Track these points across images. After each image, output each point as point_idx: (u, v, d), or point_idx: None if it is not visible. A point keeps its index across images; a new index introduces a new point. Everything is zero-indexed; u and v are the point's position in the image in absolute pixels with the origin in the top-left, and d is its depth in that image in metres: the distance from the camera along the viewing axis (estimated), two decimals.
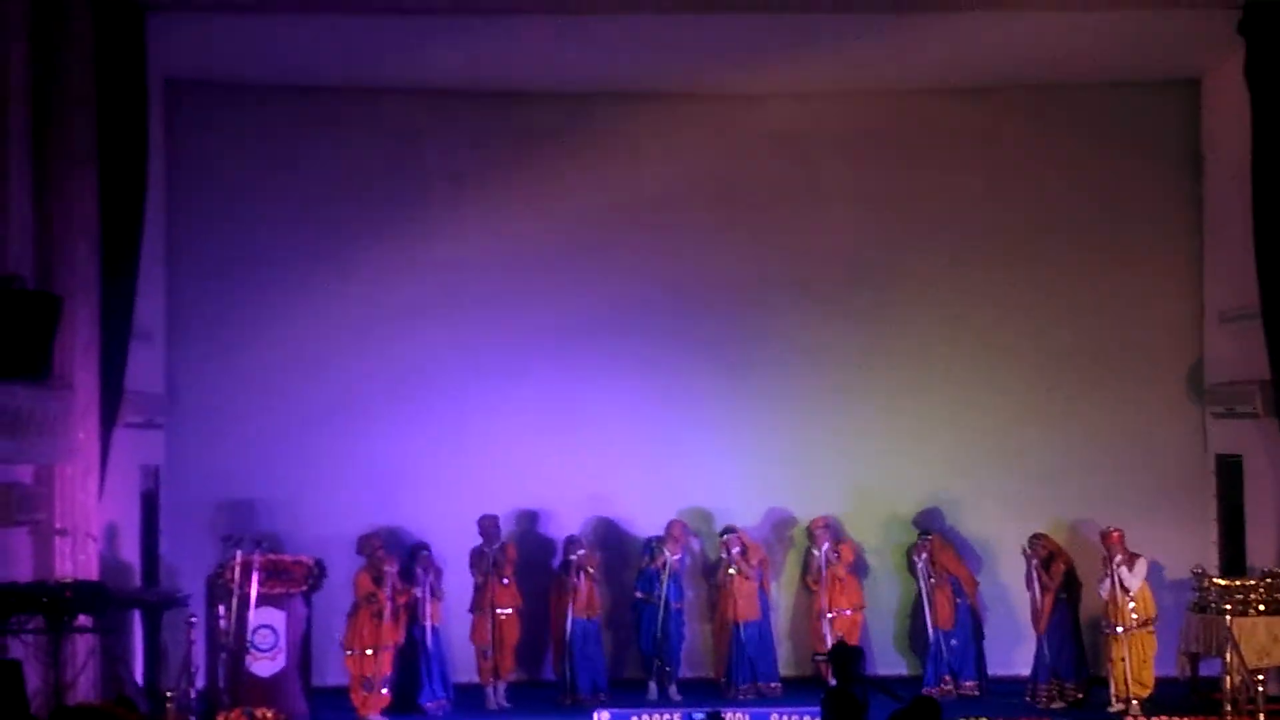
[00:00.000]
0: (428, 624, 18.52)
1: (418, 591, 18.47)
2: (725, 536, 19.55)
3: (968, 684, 19.28)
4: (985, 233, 20.83)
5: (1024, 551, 18.98)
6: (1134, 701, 18.19)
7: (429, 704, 18.48)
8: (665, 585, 19.14)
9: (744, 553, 19.35)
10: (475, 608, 18.96)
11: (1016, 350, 20.79)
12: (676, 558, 19.30)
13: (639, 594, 19.37)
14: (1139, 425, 20.64)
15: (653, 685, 19.14)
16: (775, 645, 19.68)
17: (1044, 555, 18.91)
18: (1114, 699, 18.34)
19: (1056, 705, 18.56)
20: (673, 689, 19.10)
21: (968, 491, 20.60)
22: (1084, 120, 20.76)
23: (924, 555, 19.44)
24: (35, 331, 15.93)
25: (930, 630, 19.37)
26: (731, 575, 19.26)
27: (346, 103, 20.59)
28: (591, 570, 19.09)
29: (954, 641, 19.31)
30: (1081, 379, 20.73)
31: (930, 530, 19.88)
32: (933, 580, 19.39)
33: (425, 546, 18.96)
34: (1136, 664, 18.32)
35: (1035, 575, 18.86)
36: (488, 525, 19.17)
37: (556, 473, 20.36)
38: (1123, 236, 20.79)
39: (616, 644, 19.87)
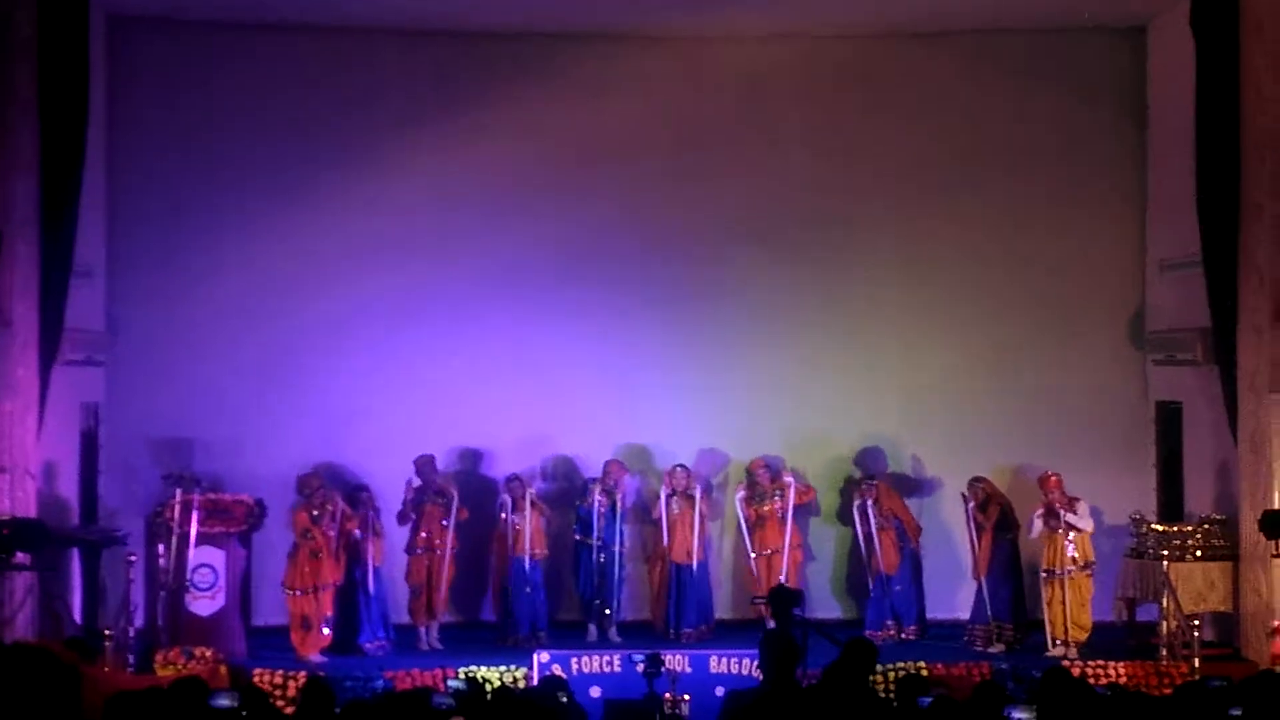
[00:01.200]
0: (369, 564, 18.49)
1: (356, 531, 18.41)
2: (673, 471, 19.49)
3: (910, 628, 19.36)
4: (933, 178, 20.83)
5: (963, 495, 19.10)
6: (1071, 644, 18.31)
7: (368, 644, 18.45)
8: (602, 526, 19.15)
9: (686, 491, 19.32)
10: (410, 548, 18.95)
11: (962, 296, 20.81)
12: (619, 497, 19.30)
13: (577, 535, 19.37)
14: (1081, 372, 20.73)
15: (592, 628, 19.12)
16: (713, 587, 19.71)
17: (981, 498, 18.99)
18: (1051, 641, 18.45)
19: (995, 648, 18.63)
20: (612, 631, 19.12)
21: (909, 435, 20.68)
22: (1032, 67, 20.80)
23: (869, 498, 19.47)
24: None
25: (872, 574, 19.43)
26: (675, 514, 19.22)
27: (297, 40, 20.45)
28: (539, 505, 19.06)
29: (897, 586, 19.38)
30: (1025, 325, 20.79)
31: (874, 474, 19.93)
32: (877, 524, 19.42)
33: (364, 487, 18.90)
34: (1074, 607, 18.43)
35: (973, 518, 18.96)
36: (423, 464, 19.13)
37: (500, 414, 20.32)
38: (1068, 183, 20.85)
39: (557, 585, 19.82)
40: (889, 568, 19.35)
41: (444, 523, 18.89)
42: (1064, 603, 18.41)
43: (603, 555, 19.13)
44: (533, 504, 18.99)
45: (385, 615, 18.67)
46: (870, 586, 19.47)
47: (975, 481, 19.09)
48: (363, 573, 18.46)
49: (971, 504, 18.97)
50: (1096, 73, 20.86)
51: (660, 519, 19.35)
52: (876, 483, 19.64)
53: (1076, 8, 19.89)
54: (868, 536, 19.43)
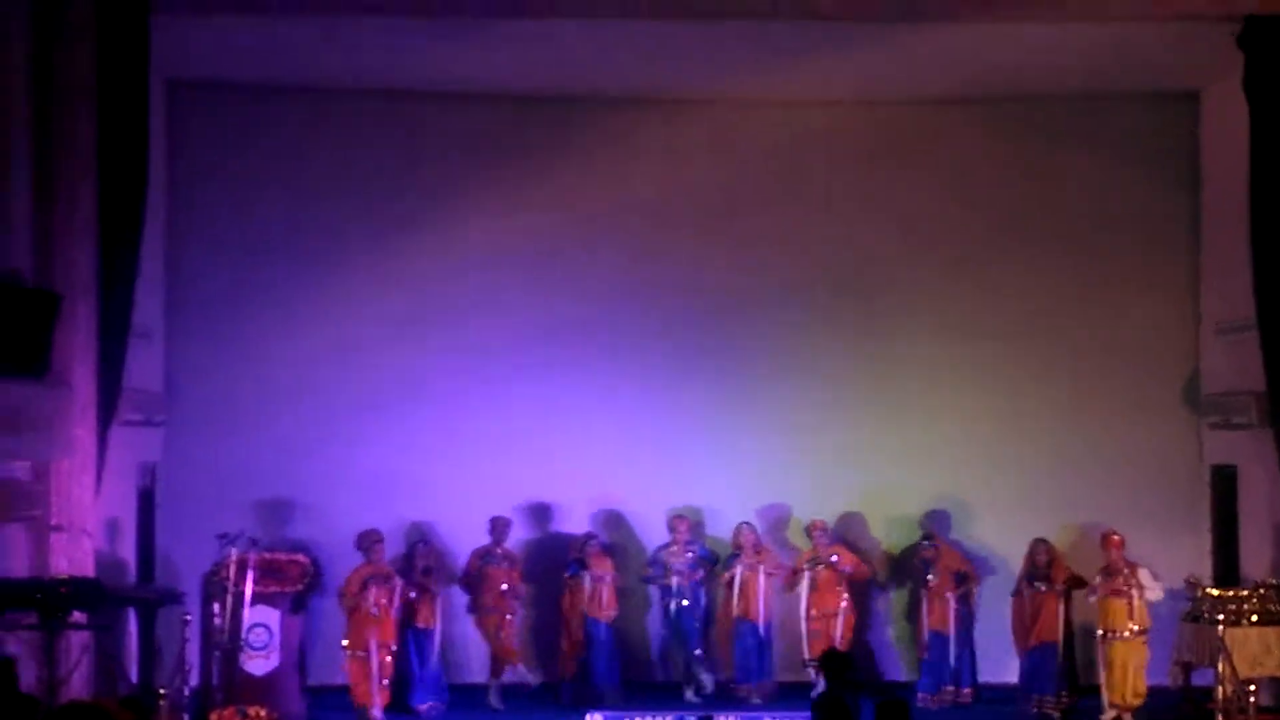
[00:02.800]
0: (421, 624, 18.53)
1: (411, 592, 18.49)
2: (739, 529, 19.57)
3: (965, 690, 19.29)
4: (980, 244, 20.86)
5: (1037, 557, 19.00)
6: (1126, 711, 18.23)
7: (420, 706, 18.50)
8: (685, 583, 19.30)
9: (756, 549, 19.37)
10: (476, 608, 19.05)
11: (1013, 361, 20.80)
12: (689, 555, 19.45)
13: (663, 597, 19.59)
14: (1135, 435, 20.68)
15: (690, 690, 19.33)
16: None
17: (1045, 560, 18.89)
18: (1108, 706, 18.36)
19: (1049, 711, 18.53)
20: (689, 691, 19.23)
21: (963, 502, 20.63)
22: (1082, 132, 20.81)
23: (929, 558, 19.41)
24: (33, 328, 15.99)
25: (928, 635, 19.36)
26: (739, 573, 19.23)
27: (347, 104, 20.65)
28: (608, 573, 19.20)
29: (954, 648, 19.31)
30: (1078, 389, 20.76)
31: (932, 534, 19.85)
32: (933, 583, 19.37)
33: (424, 540, 19.02)
34: (1132, 672, 18.36)
35: (1041, 578, 18.83)
36: (499, 525, 19.33)
37: (553, 475, 20.45)
38: (1121, 248, 20.83)
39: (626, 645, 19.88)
40: (945, 627, 19.26)
41: (503, 586, 18.97)
42: (1123, 666, 18.35)
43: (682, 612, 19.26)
44: (601, 567, 19.09)
45: (437, 676, 18.68)
46: (928, 648, 19.40)
47: (1040, 543, 18.99)
48: (415, 633, 18.50)
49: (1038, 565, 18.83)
50: (1150, 138, 20.85)
51: (733, 577, 19.28)
52: (937, 544, 19.57)
53: (1127, 75, 19.91)
54: (925, 598, 19.38)
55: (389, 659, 18.30)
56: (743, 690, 19.10)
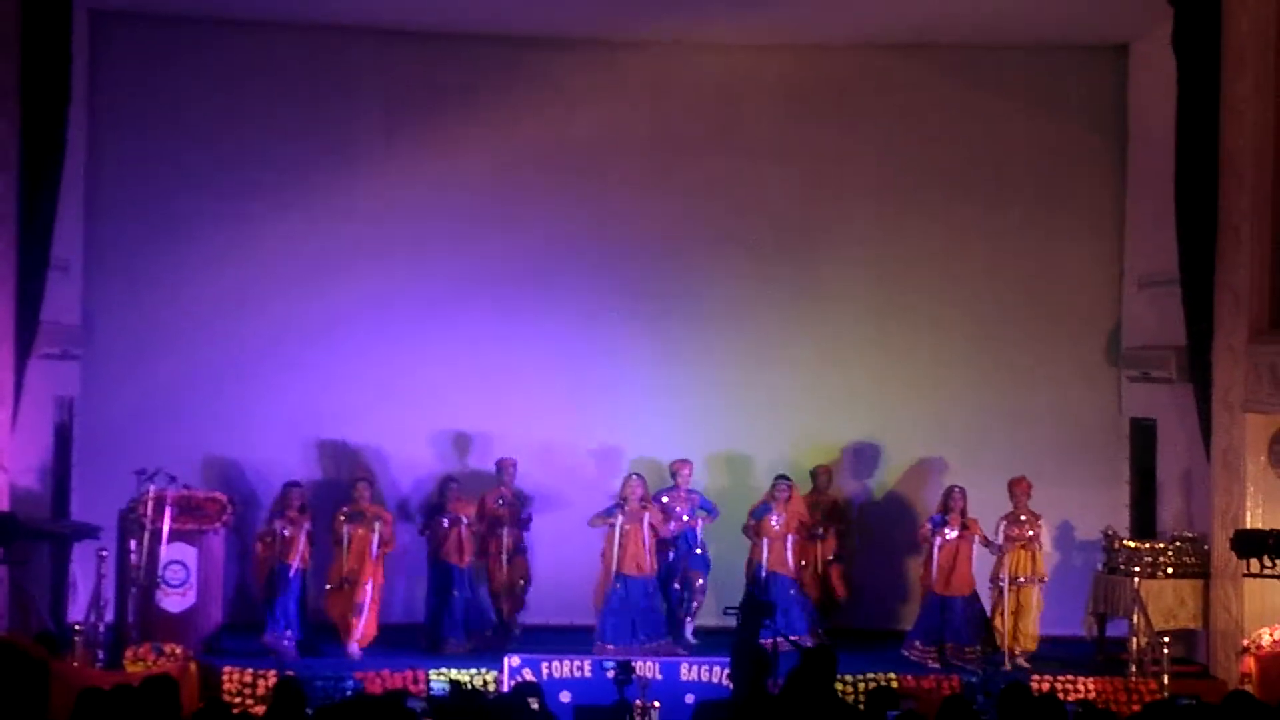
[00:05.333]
0: (292, 563, 18.40)
1: (285, 530, 18.37)
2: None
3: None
4: (911, 190, 20.88)
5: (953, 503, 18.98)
6: (1021, 655, 18.36)
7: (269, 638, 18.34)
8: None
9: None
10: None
11: (937, 308, 20.87)
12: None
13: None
14: (1055, 387, 20.80)
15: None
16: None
17: (960, 508, 18.80)
18: (1009, 654, 18.42)
19: (968, 661, 18.53)
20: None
21: (881, 447, 20.73)
22: (1012, 82, 20.89)
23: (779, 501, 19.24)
24: None
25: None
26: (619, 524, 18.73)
27: (277, 39, 20.45)
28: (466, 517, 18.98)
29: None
30: (1000, 338, 20.87)
31: (787, 477, 19.46)
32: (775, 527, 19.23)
33: (296, 484, 18.84)
34: (1034, 619, 18.55)
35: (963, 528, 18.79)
36: (504, 467, 19.34)
37: (483, 413, 20.34)
38: (1047, 199, 20.91)
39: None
40: (782, 569, 19.10)
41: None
42: (1015, 614, 18.46)
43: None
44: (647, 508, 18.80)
45: (291, 612, 18.46)
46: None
47: (954, 489, 18.93)
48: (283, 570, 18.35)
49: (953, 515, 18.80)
50: (1077, 91, 20.92)
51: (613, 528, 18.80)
52: (790, 489, 19.28)
53: (1059, 26, 19.95)
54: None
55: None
56: (607, 649, 18.20)
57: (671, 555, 19.23)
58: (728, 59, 20.83)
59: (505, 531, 19.19)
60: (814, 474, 19.95)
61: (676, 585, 19.21)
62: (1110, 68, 20.82)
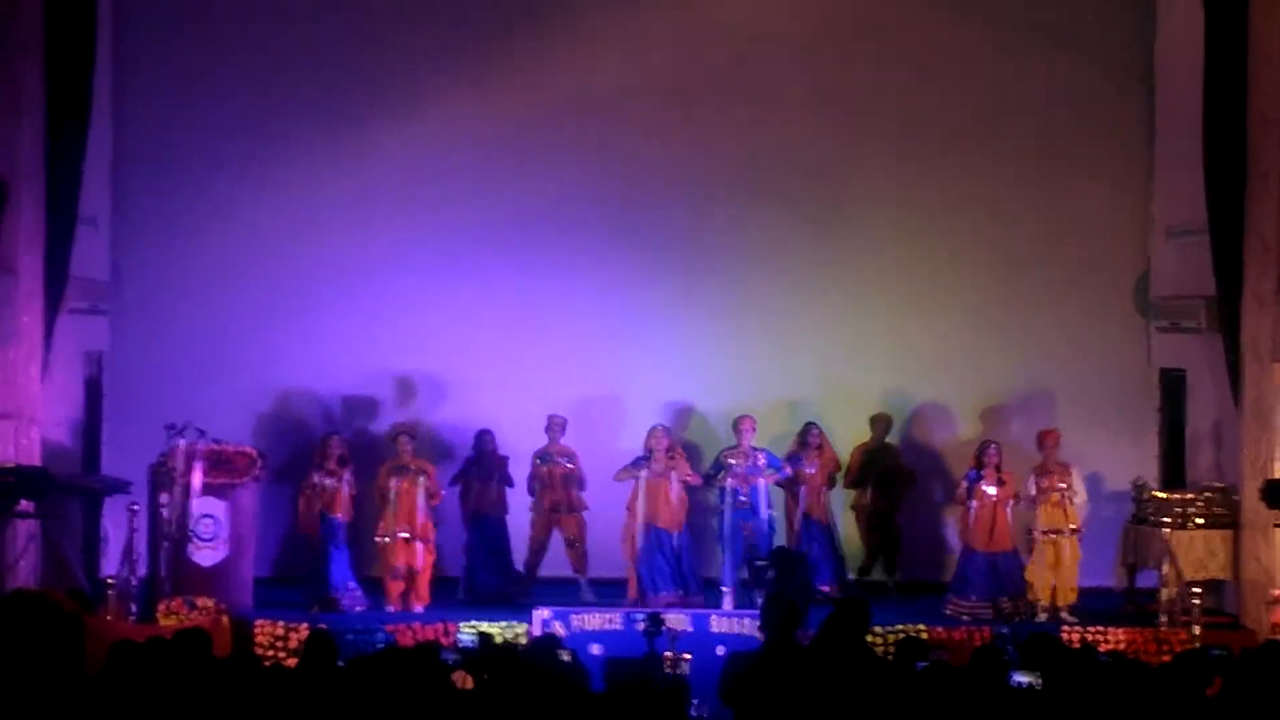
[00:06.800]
0: (338, 515, 18.37)
1: (326, 481, 18.32)
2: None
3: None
4: (935, 136, 20.70)
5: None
6: (1064, 608, 18.32)
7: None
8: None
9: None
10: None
11: (966, 254, 20.74)
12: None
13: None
14: (1084, 337, 20.70)
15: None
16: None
17: (996, 463, 18.70)
18: (1043, 607, 18.39)
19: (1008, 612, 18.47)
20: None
21: (912, 400, 20.68)
22: (1038, 26, 20.64)
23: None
24: None
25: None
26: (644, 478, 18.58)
27: None
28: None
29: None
30: (1028, 288, 20.74)
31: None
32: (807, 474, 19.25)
33: (334, 433, 18.80)
34: (1068, 571, 18.43)
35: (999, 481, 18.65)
36: (554, 424, 19.16)
37: (493, 359, 20.28)
38: (1075, 146, 20.76)
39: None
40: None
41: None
42: (1053, 567, 18.41)
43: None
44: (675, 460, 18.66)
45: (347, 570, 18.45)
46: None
47: (989, 444, 18.73)
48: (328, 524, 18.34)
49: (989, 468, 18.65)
50: (1105, 37, 20.75)
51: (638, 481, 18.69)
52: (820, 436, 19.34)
53: None
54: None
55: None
56: (647, 600, 18.14)
57: (729, 515, 18.67)
58: (748, 4, 20.73)
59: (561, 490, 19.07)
60: (873, 421, 19.92)
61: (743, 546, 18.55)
62: (1138, 11, 20.64)
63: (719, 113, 20.68)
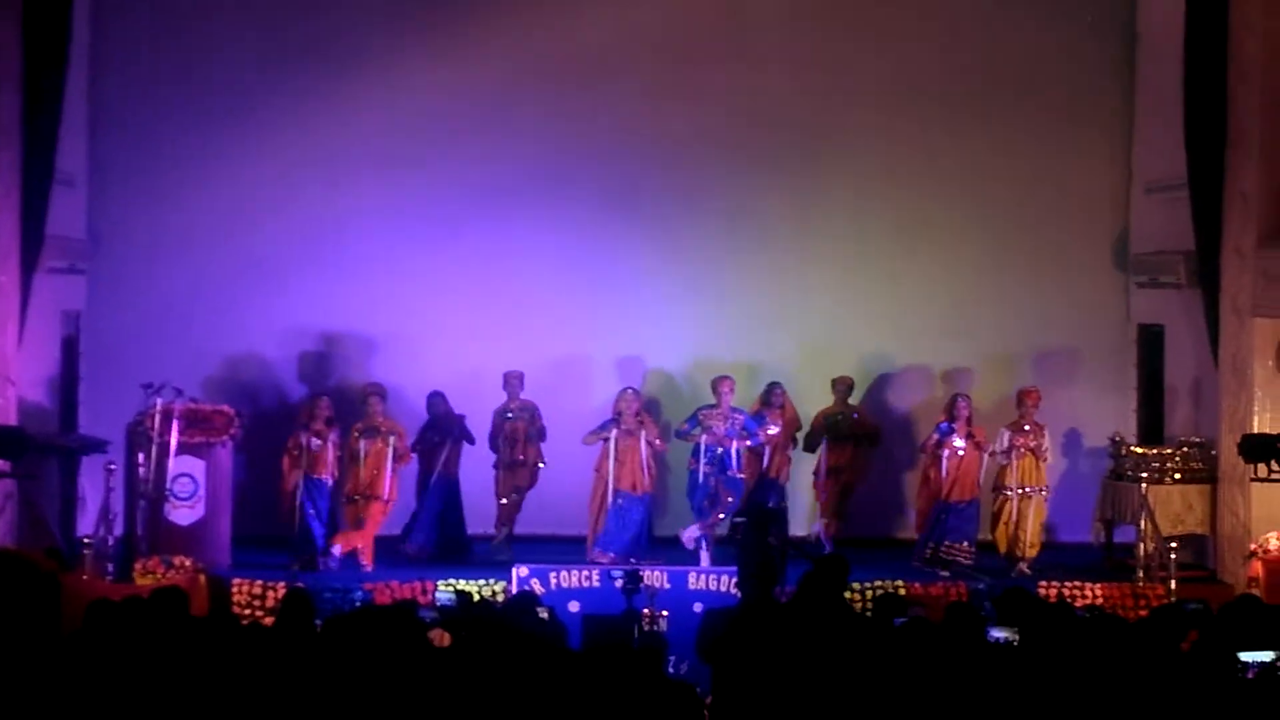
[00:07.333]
0: (323, 476, 18.28)
1: (313, 443, 18.25)
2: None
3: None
4: (918, 97, 20.68)
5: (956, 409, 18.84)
6: (1027, 561, 18.38)
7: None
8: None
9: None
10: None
11: (946, 213, 20.74)
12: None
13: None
14: (1063, 292, 20.74)
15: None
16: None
17: (967, 416, 18.72)
18: (1020, 560, 18.42)
19: (962, 560, 18.48)
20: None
21: (891, 359, 20.68)
22: None
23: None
24: None
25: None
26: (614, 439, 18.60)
27: None
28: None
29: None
30: (1008, 244, 20.78)
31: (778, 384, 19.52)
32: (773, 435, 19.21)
33: (323, 394, 18.78)
34: (1035, 526, 18.47)
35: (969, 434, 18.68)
36: (511, 380, 19.12)
37: (486, 321, 20.28)
38: (1055, 105, 20.76)
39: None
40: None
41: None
42: (1027, 520, 18.42)
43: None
44: (644, 423, 18.65)
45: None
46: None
47: (960, 397, 18.82)
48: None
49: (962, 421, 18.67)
50: None
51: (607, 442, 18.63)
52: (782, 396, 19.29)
53: None
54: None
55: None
56: (605, 559, 18.07)
57: (704, 471, 18.67)
58: None
59: (522, 444, 19.07)
60: (834, 384, 19.73)
61: (705, 503, 18.64)
62: None
63: (703, 74, 20.63)
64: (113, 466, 17.74)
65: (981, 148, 20.70)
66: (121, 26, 20.11)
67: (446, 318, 20.28)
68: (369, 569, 18.03)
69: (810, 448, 19.54)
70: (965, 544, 18.41)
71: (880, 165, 20.75)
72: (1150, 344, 20.42)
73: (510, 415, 19.14)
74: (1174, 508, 18.44)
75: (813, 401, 19.74)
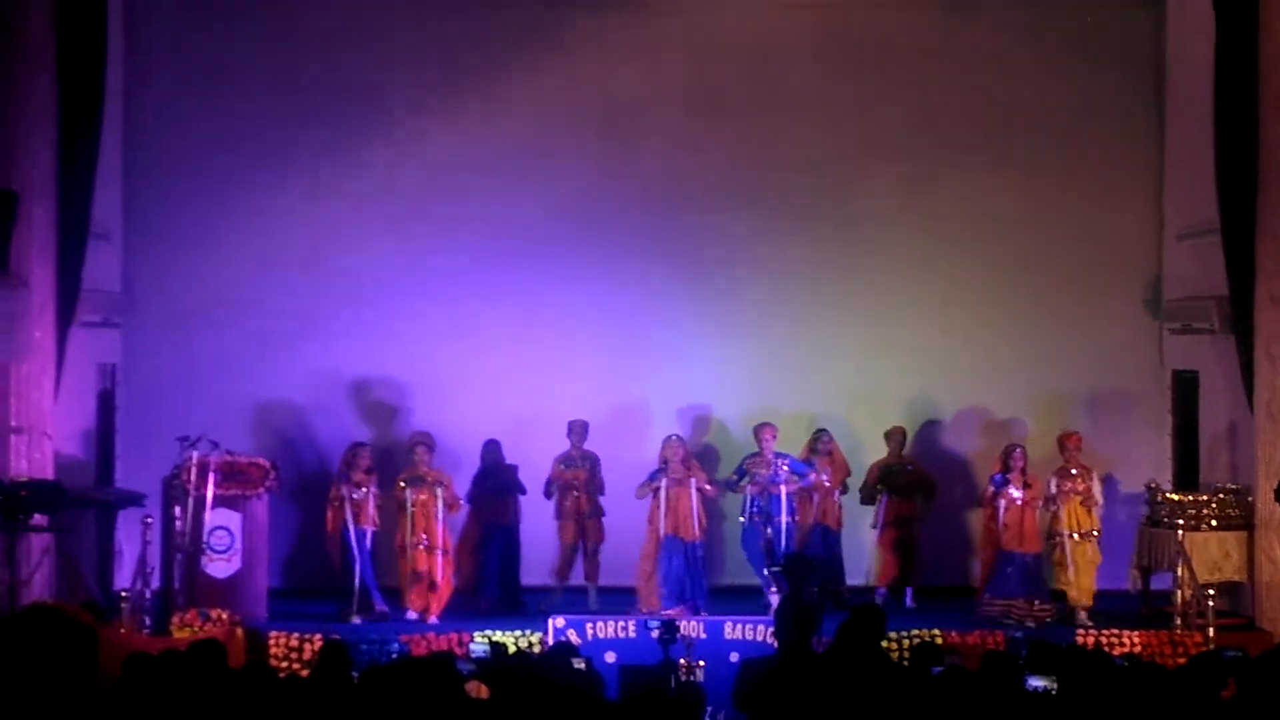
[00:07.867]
0: (366, 527, 18.32)
1: (354, 494, 18.23)
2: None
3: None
4: (947, 144, 20.71)
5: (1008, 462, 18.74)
6: (1081, 610, 18.28)
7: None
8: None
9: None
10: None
11: (977, 262, 20.73)
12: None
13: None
14: (1097, 340, 20.69)
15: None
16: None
17: (1022, 466, 18.64)
18: (1075, 607, 18.31)
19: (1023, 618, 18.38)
20: None
21: (931, 404, 20.69)
22: (1049, 30, 20.71)
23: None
24: None
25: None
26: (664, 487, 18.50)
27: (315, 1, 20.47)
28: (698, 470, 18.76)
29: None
30: (1040, 292, 20.74)
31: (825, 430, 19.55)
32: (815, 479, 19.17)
33: (362, 444, 18.76)
34: (1087, 572, 18.39)
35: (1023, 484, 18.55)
36: (575, 429, 19.15)
37: (527, 370, 20.30)
38: (1085, 149, 20.79)
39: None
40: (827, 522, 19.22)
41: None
42: (1073, 568, 18.34)
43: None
44: (692, 469, 18.60)
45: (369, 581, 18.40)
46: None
47: (1014, 448, 18.69)
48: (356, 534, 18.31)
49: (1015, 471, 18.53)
50: (1115, 40, 20.76)
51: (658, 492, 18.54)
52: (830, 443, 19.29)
53: None
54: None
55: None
56: (671, 613, 17.80)
57: (754, 520, 18.63)
58: (763, 16, 20.69)
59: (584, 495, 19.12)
60: (888, 436, 19.79)
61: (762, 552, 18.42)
62: (1148, 15, 20.68)
63: (737, 124, 20.68)
64: (149, 520, 17.77)
65: (1014, 195, 20.70)
66: (155, 83, 20.21)
67: (485, 368, 20.28)
68: (436, 620, 17.99)
69: (868, 500, 19.54)
70: (1037, 602, 18.26)
71: (909, 213, 20.74)
72: (1185, 390, 20.37)
73: (570, 464, 19.14)
74: (1211, 554, 18.36)
75: (859, 448, 19.82)
